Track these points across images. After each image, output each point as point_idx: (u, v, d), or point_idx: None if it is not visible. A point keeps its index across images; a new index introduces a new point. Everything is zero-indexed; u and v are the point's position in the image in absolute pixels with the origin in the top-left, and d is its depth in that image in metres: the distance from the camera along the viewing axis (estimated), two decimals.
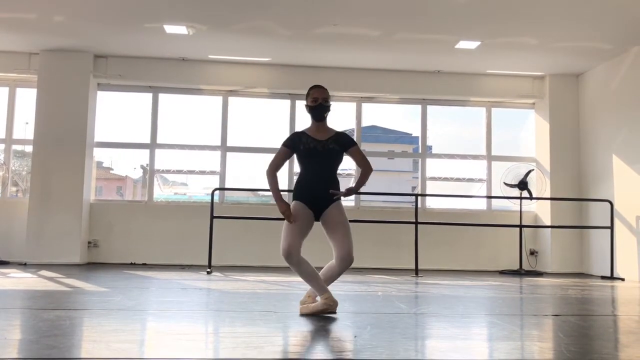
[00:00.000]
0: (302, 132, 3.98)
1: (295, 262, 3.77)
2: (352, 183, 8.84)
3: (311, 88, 4.04)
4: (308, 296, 3.94)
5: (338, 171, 4.02)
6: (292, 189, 4.06)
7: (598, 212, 8.00)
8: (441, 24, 6.74)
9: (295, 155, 3.96)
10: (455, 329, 3.43)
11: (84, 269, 7.06)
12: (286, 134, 4.48)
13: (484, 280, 6.93)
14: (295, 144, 3.93)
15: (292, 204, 3.89)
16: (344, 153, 3.99)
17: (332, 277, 3.92)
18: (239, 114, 8.61)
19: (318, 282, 3.78)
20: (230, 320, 3.57)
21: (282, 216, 3.86)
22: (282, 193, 3.98)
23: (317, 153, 3.88)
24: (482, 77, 8.70)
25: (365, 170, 4.03)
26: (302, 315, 3.77)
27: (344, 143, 3.96)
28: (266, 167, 3.98)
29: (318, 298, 3.80)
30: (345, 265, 3.81)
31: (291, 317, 3.68)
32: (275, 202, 3.90)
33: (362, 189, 9.50)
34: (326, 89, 4.02)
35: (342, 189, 3.96)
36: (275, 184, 3.94)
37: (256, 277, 6.50)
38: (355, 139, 8.72)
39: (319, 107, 3.93)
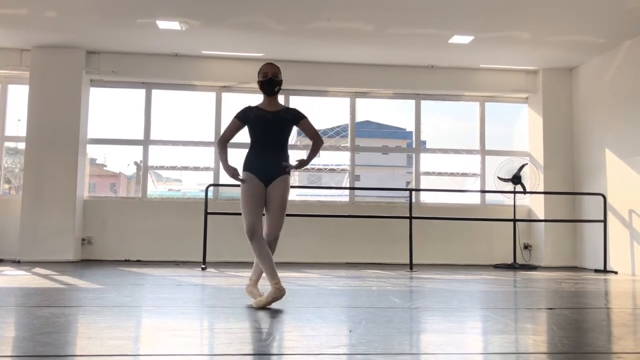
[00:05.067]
0: (254, 106, 4.16)
1: (257, 241, 3.89)
2: (347, 177, 8.88)
3: (262, 65, 4.18)
4: (253, 285, 4.13)
5: (290, 142, 4.20)
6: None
7: (591, 205, 8.03)
8: (435, 18, 6.74)
9: (247, 129, 4.11)
10: (450, 323, 3.44)
11: (78, 266, 7.04)
12: None
13: (478, 274, 6.95)
14: (246, 115, 4.10)
15: (242, 175, 4.03)
16: (295, 125, 4.12)
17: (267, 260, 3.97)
18: (233, 110, 8.56)
19: (272, 266, 3.88)
20: (225, 316, 3.57)
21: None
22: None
23: (267, 122, 4.03)
24: (475, 72, 8.71)
25: (316, 142, 4.16)
26: (257, 308, 3.82)
27: (294, 115, 4.12)
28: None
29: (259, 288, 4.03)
30: (269, 240, 3.96)
31: (286, 313, 3.69)
32: (223, 168, 4.09)
33: (358, 185, 9.56)
34: (277, 66, 4.15)
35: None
36: (224, 154, 4.14)
37: (250, 273, 6.49)
38: (349, 134, 8.76)
39: (269, 81, 4.09)
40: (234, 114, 4.18)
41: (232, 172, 4.02)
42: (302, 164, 4.04)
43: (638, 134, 7.17)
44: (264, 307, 3.83)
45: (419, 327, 3.37)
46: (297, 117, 4.11)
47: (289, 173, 4.05)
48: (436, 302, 4.36)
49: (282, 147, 4.06)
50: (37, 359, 2.37)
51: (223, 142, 4.17)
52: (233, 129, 4.16)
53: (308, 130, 4.15)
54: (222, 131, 9.05)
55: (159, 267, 7.04)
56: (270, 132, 4.03)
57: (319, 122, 7.46)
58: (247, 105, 4.20)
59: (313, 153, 4.15)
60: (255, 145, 4.06)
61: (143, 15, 6.79)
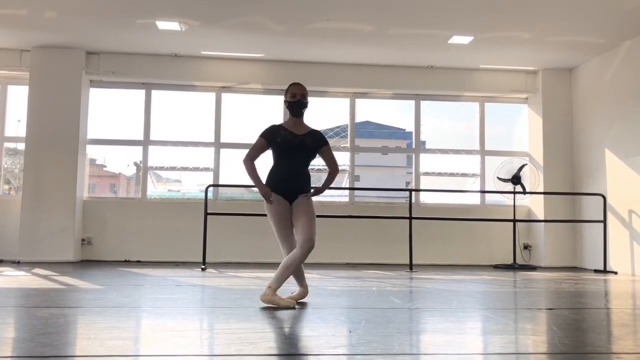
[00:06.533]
0: (280, 126, 4.16)
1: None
2: (346, 178, 8.88)
3: (290, 85, 4.18)
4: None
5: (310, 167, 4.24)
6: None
7: (591, 206, 8.03)
8: (435, 18, 6.74)
9: (270, 148, 4.14)
10: (450, 324, 3.44)
11: (78, 267, 7.04)
12: None
13: (478, 274, 6.95)
14: (274, 136, 4.09)
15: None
16: (316, 151, 4.18)
17: (296, 265, 4.11)
18: (233, 110, 8.59)
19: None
20: (225, 317, 3.57)
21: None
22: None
23: (294, 147, 4.07)
24: (475, 72, 8.71)
25: (332, 170, 4.27)
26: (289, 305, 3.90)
27: (317, 140, 4.16)
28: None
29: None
30: (306, 248, 4.02)
31: (286, 313, 3.69)
32: (256, 187, 4.13)
33: (358, 185, 9.56)
34: (305, 87, 4.17)
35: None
36: (254, 170, 4.12)
37: (250, 274, 6.50)
38: (349, 135, 8.76)
39: (297, 102, 4.09)
40: (260, 132, 4.16)
41: (265, 192, 4.04)
42: (318, 191, 4.20)
43: (638, 134, 7.17)
44: (296, 304, 3.99)
45: (418, 327, 3.37)
46: (319, 143, 4.17)
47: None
48: (436, 303, 4.36)
49: (306, 170, 4.16)
50: (36, 359, 2.37)
51: (250, 161, 4.14)
52: (259, 149, 4.15)
53: (328, 157, 4.24)
54: (221, 131, 9.05)
55: (159, 268, 7.04)
56: (296, 156, 4.10)
57: (318, 123, 7.46)
58: (272, 125, 4.20)
59: (329, 180, 4.27)
60: (281, 167, 4.11)
61: (143, 16, 6.79)
